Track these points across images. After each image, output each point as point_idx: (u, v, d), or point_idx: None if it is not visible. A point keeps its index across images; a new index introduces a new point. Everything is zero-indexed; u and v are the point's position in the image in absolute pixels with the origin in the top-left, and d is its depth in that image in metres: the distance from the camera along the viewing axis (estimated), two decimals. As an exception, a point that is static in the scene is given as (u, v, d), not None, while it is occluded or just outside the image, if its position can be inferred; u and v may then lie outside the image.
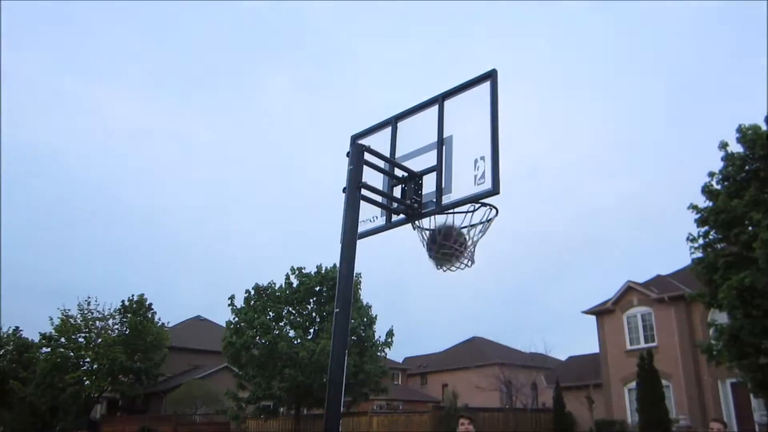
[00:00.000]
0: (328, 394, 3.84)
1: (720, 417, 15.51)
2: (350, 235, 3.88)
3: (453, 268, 5.77)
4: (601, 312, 29.56)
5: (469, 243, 5.62)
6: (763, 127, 16.34)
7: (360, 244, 4.05)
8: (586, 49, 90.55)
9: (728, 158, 16.61)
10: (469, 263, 5.77)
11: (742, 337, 15.51)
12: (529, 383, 34.81)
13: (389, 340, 27.69)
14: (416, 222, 4.65)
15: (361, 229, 4.53)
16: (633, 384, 24.47)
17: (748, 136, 16.13)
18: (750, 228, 15.24)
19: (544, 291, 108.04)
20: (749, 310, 14.93)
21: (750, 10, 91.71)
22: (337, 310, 3.74)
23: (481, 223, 5.10)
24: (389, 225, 4.49)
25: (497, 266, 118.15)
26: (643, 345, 27.09)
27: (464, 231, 5.30)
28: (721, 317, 18.67)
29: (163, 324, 38.26)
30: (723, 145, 16.77)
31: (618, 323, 28.82)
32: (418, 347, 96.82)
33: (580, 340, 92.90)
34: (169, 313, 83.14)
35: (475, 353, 47.19)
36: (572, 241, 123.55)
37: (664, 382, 24.13)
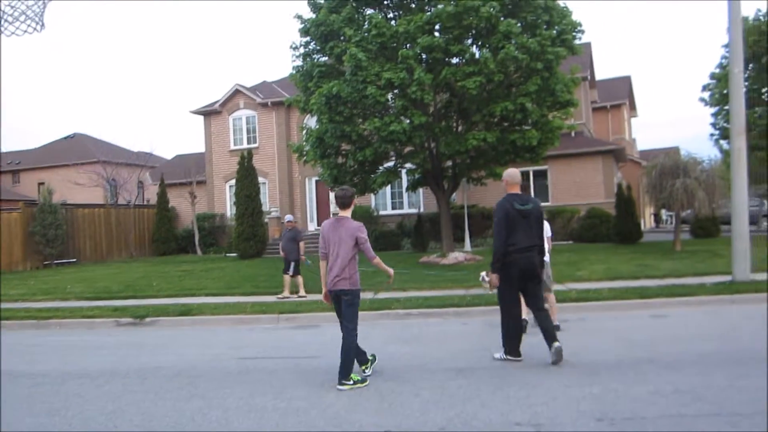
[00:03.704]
0: None
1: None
2: None
3: (19, 32, 5.12)
4: (208, 113, 30.07)
5: (38, 3, 5.01)
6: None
7: None
8: None
9: (332, -28, 17.50)
10: (39, 27, 5.18)
11: (326, 139, 17.48)
12: (134, 180, 34.39)
13: (-34, 130, 23.90)
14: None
15: None
16: (233, 181, 26.15)
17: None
18: (343, 42, 16.73)
19: (153, 91, 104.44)
20: (334, 116, 16.71)
21: None
22: None
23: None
24: None
25: (104, 62, 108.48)
26: (245, 146, 28.81)
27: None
28: (312, 122, 20.78)
29: None
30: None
31: (224, 124, 29.84)
32: (9, 143, 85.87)
33: (187, 139, 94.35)
34: None
35: (77, 150, 44.04)
36: (183, 44, 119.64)
37: (261, 179, 26.41)
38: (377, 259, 6.41)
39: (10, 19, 4.78)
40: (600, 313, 9.82)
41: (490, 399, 5.42)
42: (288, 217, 14.42)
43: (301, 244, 13.64)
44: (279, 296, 13.18)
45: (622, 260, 15.75)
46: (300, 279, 13.39)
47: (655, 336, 7.75)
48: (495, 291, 10.54)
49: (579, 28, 16.85)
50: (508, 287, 6.73)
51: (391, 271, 6.55)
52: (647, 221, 35.95)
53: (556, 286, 11.81)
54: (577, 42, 17.07)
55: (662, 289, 10.92)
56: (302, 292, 13.18)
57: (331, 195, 26.46)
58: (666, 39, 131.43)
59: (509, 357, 6.76)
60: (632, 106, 42.40)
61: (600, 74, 37.57)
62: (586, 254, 17.62)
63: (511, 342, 6.77)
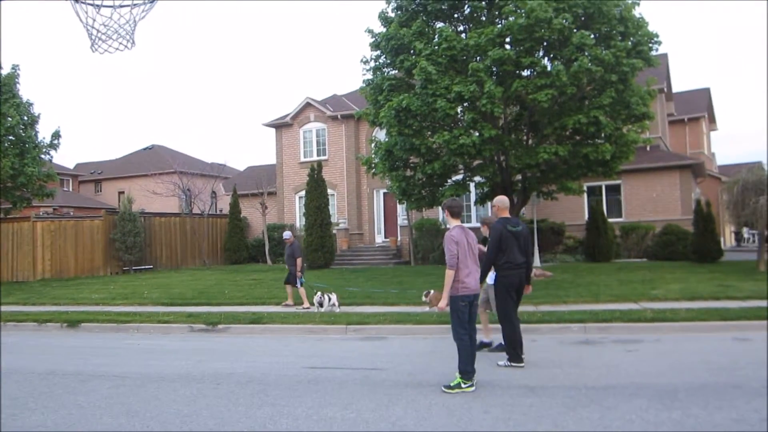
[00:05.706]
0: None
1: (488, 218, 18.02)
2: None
3: (111, 50, 5.39)
4: (280, 125, 30.78)
5: (129, 22, 5.26)
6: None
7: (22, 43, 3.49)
8: None
9: (403, -13, 17.68)
10: (129, 45, 5.44)
11: (395, 152, 17.57)
12: (208, 191, 35.52)
13: (55, 142, 25.24)
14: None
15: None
16: (303, 192, 26.63)
17: (420, -30, 17.25)
18: (413, 56, 16.81)
19: (227, 104, 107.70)
20: (403, 129, 16.78)
21: None
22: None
23: (143, 3, 4.79)
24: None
25: (179, 76, 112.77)
26: (315, 158, 29.31)
27: (125, 9, 4.95)
28: (381, 135, 20.92)
29: None
30: (399, -26, 17.71)
31: (295, 137, 30.46)
32: (92, 154, 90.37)
33: (259, 151, 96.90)
34: None
35: (155, 161, 45.91)
36: (255, 58, 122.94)
37: (330, 191, 26.79)
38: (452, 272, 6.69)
39: (103, 37, 5.01)
40: (677, 335, 9.41)
41: (562, 419, 5.28)
42: (286, 234, 15.04)
43: (299, 260, 14.18)
44: (283, 304, 13.93)
45: (700, 279, 15.09)
46: (303, 291, 13.90)
47: (738, 360, 7.37)
48: (435, 310, 10.59)
49: (656, 39, 16.37)
50: (508, 299, 7.58)
51: (444, 302, 6.67)
52: (728, 239, 34.36)
53: (629, 305, 11.49)
54: (653, 53, 16.57)
55: (745, 311, 10.35)
56: (306, 304, 13.52)
57: (399, 208, 26.67)
58: (749, 47, 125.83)
59: (513, 363, 7.42)
60: (711, 119, 40.75)
61: (677, 86, 36.37)
62: (661, 272, 16.98)
63: (516, 348, 7.46)
